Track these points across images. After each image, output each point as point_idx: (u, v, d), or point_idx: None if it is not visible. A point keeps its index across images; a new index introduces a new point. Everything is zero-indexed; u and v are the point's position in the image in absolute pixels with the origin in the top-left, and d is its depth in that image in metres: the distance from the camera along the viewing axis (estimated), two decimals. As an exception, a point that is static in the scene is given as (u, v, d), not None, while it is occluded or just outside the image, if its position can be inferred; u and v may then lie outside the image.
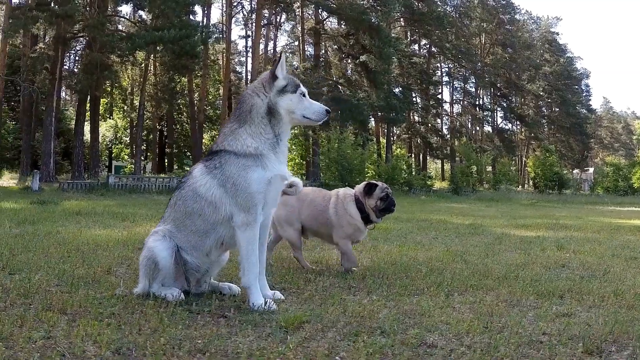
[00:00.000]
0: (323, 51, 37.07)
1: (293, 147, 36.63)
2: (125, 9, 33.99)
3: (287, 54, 43.98)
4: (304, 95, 3.25)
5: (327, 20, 35.07)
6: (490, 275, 4.35)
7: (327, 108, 3.32)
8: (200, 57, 28.28)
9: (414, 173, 30.68)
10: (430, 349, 2.39)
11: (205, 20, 36.76)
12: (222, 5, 39.69)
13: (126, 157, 43.40)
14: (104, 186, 21.34)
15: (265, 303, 3.05)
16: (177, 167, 42.52)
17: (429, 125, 44.10)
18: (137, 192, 21.26)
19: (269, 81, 3.21)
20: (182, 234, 3.23)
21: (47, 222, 7.28)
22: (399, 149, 37.00)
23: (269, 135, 3.18)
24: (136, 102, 36.74)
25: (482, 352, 2.34)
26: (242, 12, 41.20)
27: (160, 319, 2.70)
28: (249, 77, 36.87)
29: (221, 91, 39.21)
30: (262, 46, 46.65)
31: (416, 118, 43.92)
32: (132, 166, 34.57)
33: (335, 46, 35.91)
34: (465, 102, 52.91)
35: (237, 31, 47.51)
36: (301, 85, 3.27)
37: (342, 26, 34.27)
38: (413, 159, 37.43)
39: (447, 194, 26.91)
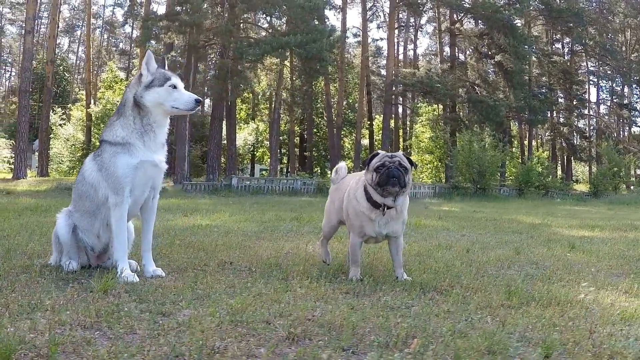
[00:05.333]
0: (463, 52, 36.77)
1: (433, 149, 36.48)
2: (257, 16, 36.59)
3: (425, 57, 43.93)
4: (174, 88, 3.77)
5: (462, 20, 34.58)
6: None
7: (198, 98, 3.80)
8: (329, 61, 29.49)
9: (551, 176, 28.97)
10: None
11: (341, 25, 38.31)
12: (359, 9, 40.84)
13: (268, 160, 46.55)
14: (227, 187, 23.43)
15: (133, 276, 3.63)
16: (317, 170, 44.56)
17: (573, 126, 41.29)
18: (260, 194, 23.01)
19: (138, 77, 3.80)
20: (78, 214, 3.93)
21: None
22: (545, 152, 34.85)
23: (138, 125, 3.75)
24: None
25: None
26: (378, 14, 42.02)
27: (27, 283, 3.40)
28: (385, 79, 37.40)
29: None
30: (401, 48, 47.19)
31: (561, 119, 41.29)
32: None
33: (472, 47, 35.21)
34: (611, 101, 48.35)
35: (379, 34, 48.29)
36: (172, 78, 3.77)
37: (479, 26, 33.62)
38: (550, 162, 35.34)
39: (586, 198, 25.66)
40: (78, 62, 55.04)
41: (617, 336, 2.55)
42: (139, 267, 4.04)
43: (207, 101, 41.11)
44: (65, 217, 3.98)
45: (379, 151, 3.97)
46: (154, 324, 2.49)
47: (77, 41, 56.32)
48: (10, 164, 28.18)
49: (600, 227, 9.28)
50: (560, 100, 40.63)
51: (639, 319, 3.02)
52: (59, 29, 39.18)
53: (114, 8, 54.28)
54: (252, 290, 3.32)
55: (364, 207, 3.81)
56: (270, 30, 30.78)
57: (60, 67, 43.25)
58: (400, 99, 37.14)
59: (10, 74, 56.93)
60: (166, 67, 4.00)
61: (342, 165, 4.70)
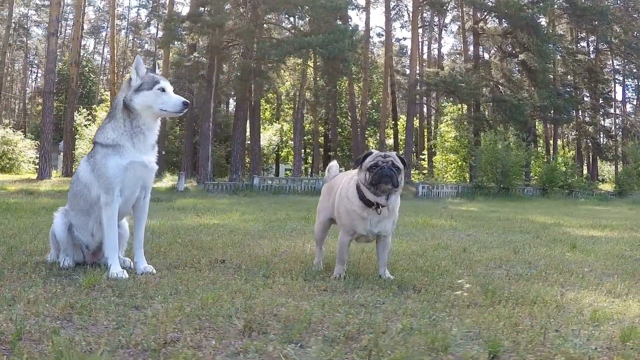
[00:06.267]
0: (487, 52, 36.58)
1: (458, 148, 36.27)
2: (280, 16, 36.86)
3: (450, 56, 43.58)
4: (162, 91, 3.92)
5: (486, 19, 34.38)
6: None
7: (185, 100, 3.95)
8: (351, 61, 29.58)
9: (576, 176, 28.60)
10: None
11: (364, 25, 38.37)
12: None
13: (293, 160, 46.84)
14: (249, 187, 23.70)
15: (122, 272, 3.80)
16: (342, 170, 44.64)
17: (598, 125, 40.60)
18: (282, 193, 23.23)
19: (128, 81, 3.97)
20: (73, 213, 4.12)
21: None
22: (571, 151, 34.40)
23: (128, 128, 3.92)
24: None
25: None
26: (402, 14, 41.94)
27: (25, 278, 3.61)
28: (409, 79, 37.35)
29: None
30: (426, 48, 46.97)
31: (586, 118, 40.67)
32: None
33: (496, 46, 34.98)
34: (637, 100, 47.29)
35: (403, 33, 48.20)
36: (161, 82, 3.93)
37: (503, 25, 33.39)
38: (576, 161, 34.87)
39: (611, 197, 25.37)
40: (103, 63, 56.24)
41: (568, 336, 2.59)
42: (132, 264, 4.21)
43: (232, 101, 41.68)
44: (62, 215, 4.17)
45: (372, 150, 4.04)
46: (122, 316, 2.64)
47: (102, 42, 57.57)
48: (35, 165, 28.91)
49: (612, 226, 9.20)
50: (585, 99, 40.11)
51: (610, 320, 3.04)
52: (83, 31, 40.09)
53: (138, 9, 55.30)
54: (231, 287, 3.44)
55: (356, 206, 3.87)
56: (293, 31, 31.04)
57: (86, 68, 44.20)
58: (425, 98, 36.99)
59: (36, 76, 58.34)
60: (157, 72, 4.16)
61: (334, 163, 4.81)
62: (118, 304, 2.90)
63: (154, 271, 4.01)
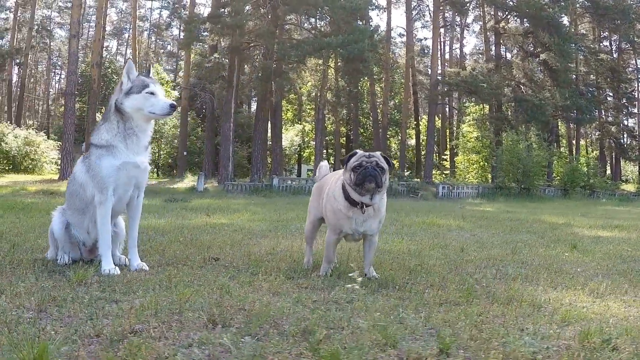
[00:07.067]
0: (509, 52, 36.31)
1: (480, 149, 36.02)
2: (300, 17, 37.06)
3: (473, 56, 43.21)
4: (151, 94, 4.06)
5: (507, 18, 34.12)
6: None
7: (172, 103, 4.08)
8: (371, 62, 29.59)
9: (598, 176, 28.18)
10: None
11: (386, 25, 38.39)
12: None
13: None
14: (268, 188, 23.86)
15: (113, 269, 3.96)
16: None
17: (621, 125, 39.85)
18: (301, 194, 23.31)
19: (120, 85, 4.13)
20: (70, 211, 4.30)
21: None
22: (594, 151, 33.83)
23: (121, 129, 4.07)
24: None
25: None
26: (424, 14, 41.81)
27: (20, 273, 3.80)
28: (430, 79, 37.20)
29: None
30: (448, 48, 46.70)
31: (609, 118, 39.98)
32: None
33: (517, 45, 34.68)
34: None
35: (424, 33, 47.98)
36: (150, 85, 4.06)
37: (524, 24, 33.10)
38: (598, 161, 34.30)
39: (633, 197, 25.21)
40: (127, 61, 56.82)
41: (523, 335, 2.63)
42: (127, 262, 4.37)
43: (254, 102, 41.99)
44: (60, 214, 4.36)
45: (357, 150, 4.08)
46: (98, 309, 2.78)
47: (124, 44, 58.39)
48: (58, 165, 29.49)
49: (623, 227, 9.12)
50: (608, 98, 39.51)
51: (583, 320, 3.07)
52: (105, 32, 40.81)
53: (160, 11, 55.85)
54: (214, 283, 3.56)
55: (341, 205, 3.93)
56: (313, 32, 31.18)
57: (109, 70, 44.95)
58: (447, 99, 36.82)
59: (59, 77, 59.45)
60: (150, 75, 4.31)
61: (324, 163, 4.91)
62: (99, 298, 3.04)
63: (147, 268, 4.16)
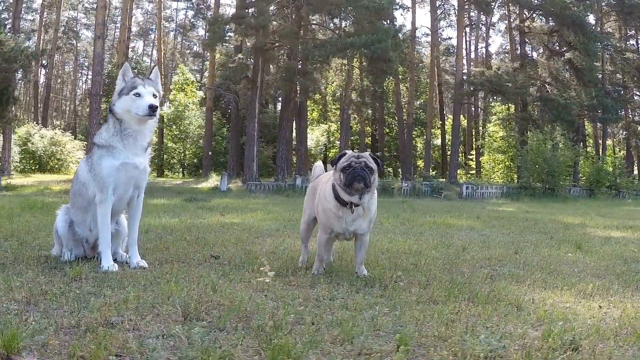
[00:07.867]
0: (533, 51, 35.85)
1: (506, 148, 35.68)
2: (324, 17, 37.16)
3: (499, 55, 42.76)
4: (138, 95, 4.15)
5: (532, 17, 33.69)
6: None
7: (151, 104, 4.10)
8: (395, 61, 29.51)
9: (625, 176, 27.57)
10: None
11: (410, 24, 38.26)
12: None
13: (340, 160, 46.91)
14: (291, 187, 24.02)
15: (112, 266, 4.14)
16: (390, 170, 44.54)
17: None
18: (324, 193, 23.45)
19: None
20: (74, 210, 4.50)
21: (151, 215, 9.20)
22: (621, 151, 33.13)
23: (118, 130, 4.24)
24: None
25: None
26: (449, 13, 41.54)
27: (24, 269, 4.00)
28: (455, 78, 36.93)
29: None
30: (473, 47, 46.25)
31: (636, 117, 39.01)
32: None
33: (542, 44, 34.21)
34: None
35: (449, 33, 47.60)
36: (139, 87, 4.15)
37: (549, 23, 32.64)
38: (625, 161, 33.54)
39: None
40: (152, 65, 57.79)
41: (481, 334, 2.68)
42: (128, 259, 4.54)
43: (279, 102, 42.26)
44: (63, 213, 4.56)
45: (347, 151, 4.15)
46: (84, 302, 2.94)
47: (151, 45, 59.18)
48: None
49: (637, 228, 8.97)
50: (635, 97, 38.63)
51: (560, 320, 3.09)
52: (131, 33, 41.45)
53: (186, 11, 56.40)
54: (204, 280, 3.70)
55: (331, 205, 4.02)
56: (337, 32, 31.26)
57: (135, 70, 45.53)
58: (472, 98, 36.51)
59: (86, 78, 60.44)
60: (152, 76, 4.42)
61: (318, 164, 5.02)
62: (89, 293, 3.21)
63: (146, 265, 4.32)
